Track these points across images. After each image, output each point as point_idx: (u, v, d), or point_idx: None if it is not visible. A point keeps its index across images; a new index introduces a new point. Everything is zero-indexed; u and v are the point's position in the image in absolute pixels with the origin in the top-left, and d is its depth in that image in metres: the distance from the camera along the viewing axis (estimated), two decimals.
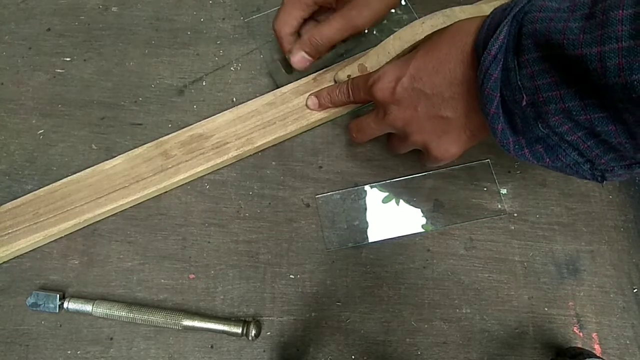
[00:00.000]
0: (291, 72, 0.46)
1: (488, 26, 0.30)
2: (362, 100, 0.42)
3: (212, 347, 0.40)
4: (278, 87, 0.46)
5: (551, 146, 0.30)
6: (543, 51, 0.27)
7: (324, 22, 0.41)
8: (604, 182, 0.31)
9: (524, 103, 0.28)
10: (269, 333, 0.41)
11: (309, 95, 0.45)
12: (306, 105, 0.45)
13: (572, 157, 0.30)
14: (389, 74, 0.37)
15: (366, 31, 0.49)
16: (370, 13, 0.41)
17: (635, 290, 0.42)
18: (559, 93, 0.27)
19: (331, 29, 0.41)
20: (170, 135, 0.44)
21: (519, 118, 0.30)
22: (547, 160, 0.31)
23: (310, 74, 0.47)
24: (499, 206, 0.44)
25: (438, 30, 0.37)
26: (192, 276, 0.42)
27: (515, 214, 0.44)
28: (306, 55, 0.43)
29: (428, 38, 0.38)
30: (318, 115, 0.45)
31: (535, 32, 0.27)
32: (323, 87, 0.46)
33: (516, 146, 0.31)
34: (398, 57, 0.44)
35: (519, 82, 0.28)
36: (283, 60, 0.46)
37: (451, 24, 0.36)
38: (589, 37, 0.24)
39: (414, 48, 0.45)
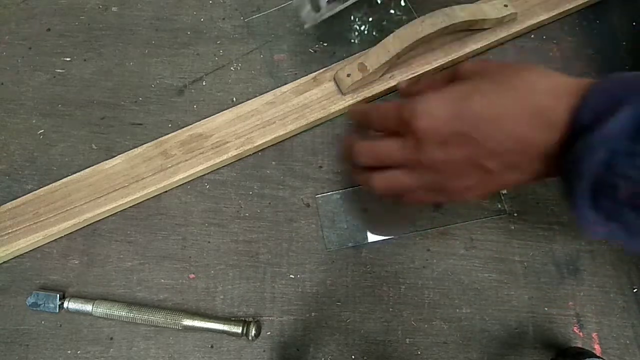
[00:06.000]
0: (319, 10, 0.43)
1: (603, 97, 0.27)
2: (384, 128, 0.34)
3: (212, 347, 0.40)
4: (304, 26, 0.43)
5: (632, 232, 0.27)
6: None
7: None
8: None
9: (623, 191, 0.26)
10: (269, 333, 0.41)
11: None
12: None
13: None
14: (437, 110, 0.30)
15: (364, 33, 0.49)
16: None
17: (635, 290, 0.42)
18: None
19: None
20: (170, 135, 0.44)
21: (607, 199, 0.27)
22: (622, 241, 0.28)
23: (310, 73, 0.47)
24: (499, 206, 0.44)
25: (504, 70, 0.31)
26: (192, 276, 0.42)
27: (515, 214, 0.44)
28: None
29: (492, 75, 0.31)
30: (317, 115, 0.45)
31: None
32: (322, 86, 0.46)
33: (593, 223, 0.28)
34: (398, 56, 0.44)
35: (624, 169, 0.25)
36: None
37: (524, 73, 0.30)
38: None
39: (414, 47, 0.45)
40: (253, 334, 0.39)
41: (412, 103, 0.31)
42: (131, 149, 0.44)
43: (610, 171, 0.26)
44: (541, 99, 0.29)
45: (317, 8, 0.42)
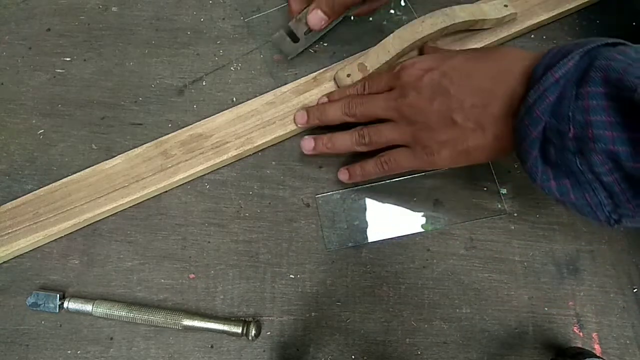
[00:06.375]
0: (297, 41, 0.45)
1: (555, 54, 0.30)
2: (378, 90, 0.41)
3: (212, 347, 0.40)
4: (288, 58, 0.46)
5: (580, 183, 0.29)
6: (609, 88, 0.26)
7: None
8: (614, 226, 0.30)
9: (570, 135, 0.28)
10: (269, 333, 0.41)
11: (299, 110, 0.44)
12: (295, 122, 0.44)
13: (599, 197, 0.29)
14: (423, 63, 0.38)
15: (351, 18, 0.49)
16: None
17: (635, 290, 0.42)
18: (611, 134, 0.26)
19: None
20: (170, 135, 0.44)
21: (555, 148, 0.29)
22: (572, 196, 0.30)
23: (310, 73, 0.47)
24: (499, 206, 0.44)
25: (487, 47, 0.38)
26: (192, 276, 0.42)
27: (515, 214, 0.44)
28: (323, 15, 0.42)
29: (473, 49, 0.39)
30: None
31: (609, 68, 0.26)
32: (322, 86, 0.46)
33: (544, 176, 0.31)
34: (398, 56, 0.44)
35: (570, 113, 0.28)
36: (288, 27, 0.45)
37: (502, 48, 0.37)
38: None
39: (414, 47, 0.45)
40: (253, 334, 0.39)
41: (404, 63, 0.40)
42: (131, 149, 0.44)
43: (559, 116, 0.29)
44: (507, 62, 0.35)
45: (295, 39, 0.45)
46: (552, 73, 0.29)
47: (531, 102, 0.30)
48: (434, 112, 0.36)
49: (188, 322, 0.39)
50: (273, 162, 0.45)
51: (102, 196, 0.42)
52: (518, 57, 0.35)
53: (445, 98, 0.36)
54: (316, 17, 0.42)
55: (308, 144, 0.43)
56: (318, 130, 0.45)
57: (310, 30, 0.44)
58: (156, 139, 0.44)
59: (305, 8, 0.43)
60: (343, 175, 0.43)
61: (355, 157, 0.44)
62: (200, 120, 0.45)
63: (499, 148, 0.35)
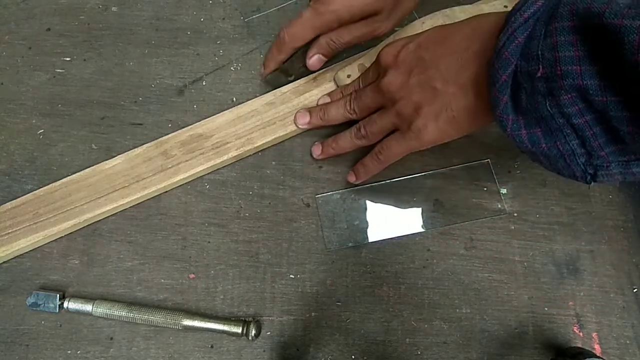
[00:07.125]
0: (291, 76, 0.46)
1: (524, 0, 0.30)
2: (368, 81, 0.42)
3: (212, 347, 0.40)
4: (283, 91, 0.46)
5: (552, 130, 0.29)
6: (577, 20, 0.26)
7: (344, 28, 0.42)
8: (591, 183, 0.30)
9: (539, 75, 0.28)
10: (269, 333, 0.41)
11: (300, 111, 0.44)
12: (296, 123, 0.44)
13: (571, 145, 0.29)
14: (399, 41, 0.38)
15: None
16: (392, 24, 0.43)
17: (635, 290, 0.42)
18: (579, 68, 0.26)
19: (351, 36, 0.42)
20: (170, 135, 0.44)
21: (526, 94, 0.29)
22: (543, 145, 0.30)
23: (310, 73, 0.47)
24: (499, 206, 0.44)
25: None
26: (192, 276, 0.42)
27: (515, 214, 0.44)
28: (322, 57, 0.44)
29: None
30: None
31: (577, 0, 0.26)
32: (322, 87, 0.46)
33: (514, 125, 0.30)
34: None
35: (539, 51, 0.28)
36: (280, 67, 0.46)
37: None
38: (635, 11, 0.24)
39: None
40: (253, 334, 0.39)
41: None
42: (131, 149, 0.44)
43: (528, 57, 0.28)
44: (482, 20, 0.35)
45: (289, 75, 0.46)
46: (521, 13, 0.29)
47: (501, 44, 0.29)
48: (414, 85, 0.36)
49: (188, 322, 0.39)
50: (273, 162, 0.45)
51: (102, 196, 0.42)
52: (494, 14, 0.34)
53: (422, 68, 0.36)
54: (316, 61, 0.44)
55: (317, 149, 0.44)
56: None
57: (304, 67, 0.45)
58: (156, 139, 0.44)
59: (298, 49, 0.44)
60: (350, 177, 0.44)
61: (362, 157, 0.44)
62: (200, 121, 0.45)
63: (484, 108, 0.34)
